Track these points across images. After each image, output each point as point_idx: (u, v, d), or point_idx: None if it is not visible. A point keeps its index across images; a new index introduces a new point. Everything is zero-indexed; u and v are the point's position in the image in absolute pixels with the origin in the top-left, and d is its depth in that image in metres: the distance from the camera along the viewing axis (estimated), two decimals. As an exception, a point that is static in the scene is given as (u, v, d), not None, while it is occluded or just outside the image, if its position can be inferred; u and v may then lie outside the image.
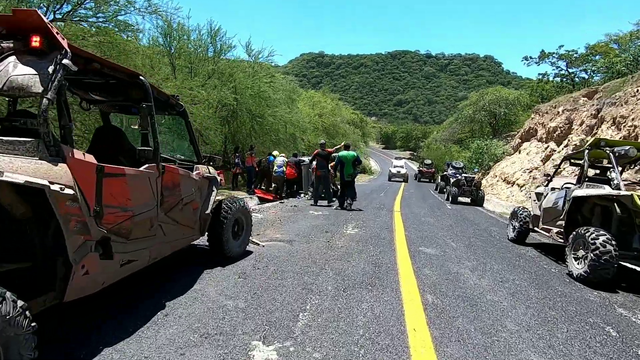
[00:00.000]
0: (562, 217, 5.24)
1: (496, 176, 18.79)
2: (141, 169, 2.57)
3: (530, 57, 24.21)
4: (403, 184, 24.31)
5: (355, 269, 4.12)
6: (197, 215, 3.58)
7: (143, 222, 2.60)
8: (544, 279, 4.37)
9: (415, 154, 60.10)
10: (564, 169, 10.65)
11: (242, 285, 3.34)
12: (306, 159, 13.25)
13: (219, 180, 4.07)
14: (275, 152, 13.15)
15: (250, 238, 4.95)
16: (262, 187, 12.16)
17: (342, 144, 11.14)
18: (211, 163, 4.00)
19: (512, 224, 6.80)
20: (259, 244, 4.89)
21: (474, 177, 13.70)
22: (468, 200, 13.91)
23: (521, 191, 14.08)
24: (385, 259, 4.66)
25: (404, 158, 40.35)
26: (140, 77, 2.71)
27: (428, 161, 30.77)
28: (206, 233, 3.92)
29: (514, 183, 15.41)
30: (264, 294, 3.19)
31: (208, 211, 3.74)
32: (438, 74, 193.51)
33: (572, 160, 6.49)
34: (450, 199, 13.59)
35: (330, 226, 6.73)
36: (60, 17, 7.35)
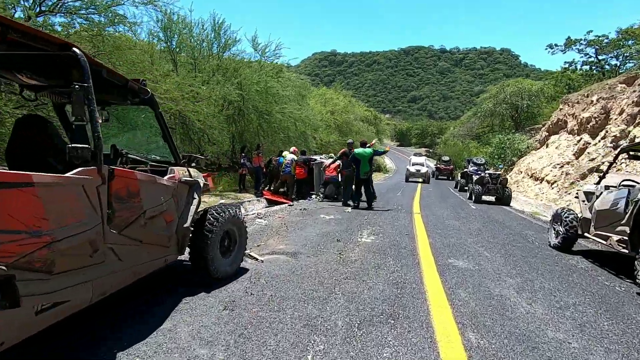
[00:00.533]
0: (624, 221, 4.30)
1: (521, 172, 17.57)
2: (69, 174, 1.84)
3: (555, 45, 22.71)
4: (420, 182, 22.94)
5: (372, 291, 3.32)
6: (171, 229, 2.86)
7: (77, 247, 1.88)
8: (612, 302, 3.46)
9: (431, 150, 58.51)
10: (618, 163, 9.53)
11: (227, 322, 2.59)
12: (318, 157, 12.50)
13: (202, 184, 3.32)
14: (285, 152, 12.43)
15: (248, 252, 4.22)
16: (271, 188, 11.48)
17: (374, 140, 10.49)
18: (192, 164, 3.26)
19: (554, 229, 5.86)
20: (257, 259, 4.15)
21: (500, 174, 12.63)
22: (492, 198, 12.86)
23: (552, 188, 12.91)
24: (408, 276, 3.84)
25: (424, 155, 34.72)
26: (74, 49, 1.98)
27: (446, 158, 29.56)
28: (188, 250, 3.20)
29: (542, 179, 14.23)
30: (253, 335, 2.43)
31: (187, 224, 3.01)
32: (453, 69, 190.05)
33: (632, 153, 5.48)
34: (473, 197, 12.58)
35: (342, 233, 5.94)
36: (47, 9, 6.80)
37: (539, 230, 7.55)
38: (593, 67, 21.25)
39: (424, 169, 23.41)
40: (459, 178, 19.70)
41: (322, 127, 21.14)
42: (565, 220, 5.50)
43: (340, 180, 10.97)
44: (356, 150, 9.67)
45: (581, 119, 13.69)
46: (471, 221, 8.16)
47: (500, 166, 13.68)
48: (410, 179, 23.08)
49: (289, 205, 9.37)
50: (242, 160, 10.95)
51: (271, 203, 10.59)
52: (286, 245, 4.95)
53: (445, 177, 28.64)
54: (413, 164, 24.78)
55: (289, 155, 11.37)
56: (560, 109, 16.76)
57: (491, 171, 13.09)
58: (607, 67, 20.40)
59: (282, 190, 11.60)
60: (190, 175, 3.18)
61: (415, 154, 31.69)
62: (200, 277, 3.28)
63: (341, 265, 4.10)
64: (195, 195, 3.16)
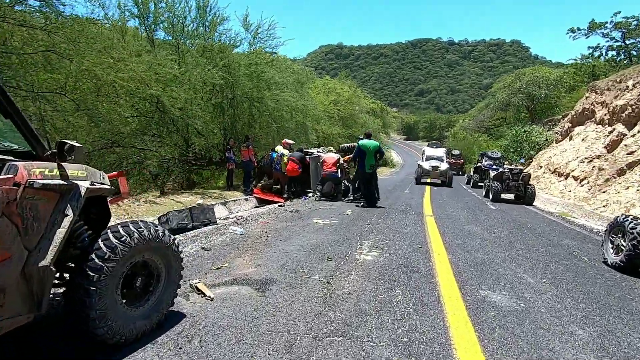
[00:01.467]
0: None
1: (541, 167, 16.06)
2: None
3: (578, 29, 20.89)
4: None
5: (370, 366, 2.03)
6: (11, 274, 1.60)
7: None
8: None
9: (439, 144, 56.72)
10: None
11: None
12: (315, 151, 11.18)
13: (82, 194, 1.99)
14: (278, 147, 11.15)
15: (195, 282, 2.96)
16: (258, 184, 10.23)
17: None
18: (68, 157, 1.95)
19: (613, 242, 4.52)
20: (205, 295, 2.87)
21: (521, 169, 11.20)
22: (511, 196, 11.43)
23: (581, 185, 11.44)
24: (426, 325, 2.55)
25: (443, 147, 23.39)
26: None
27: (456, 151, 28.01)
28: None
29: (567, 175, 12.74)
30: None
31: (47, 261, 1.73)
32: (461, 61, 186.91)
33: None
34: (490, 195, 11.18)
35: (336, 246, 4.65)
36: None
37: (580, 239, 6.18)
38: (621, 52, 19.46)
39: (443, 166, 16.74)
40: (472, 173, 18.27)
41: (324, 118, 19.81)
42: (632, 232, 4.15)
43: (341, 176, 9.71)
44: (361, 142, 8.45)
45: (614, 108, 12.14)
46: (495, 227, 6.80)
47: (521, 160, 12.22)
48: (423, 179, 16.77)
49: (280, 205, 8.09)
50: (227, 154, 9.68)
51: (262, 202, 9.35)
52: (257, 267, 3.67)
53: (455, 172, 27.17)
54: (427, 158, 17.75)
55: (280, 150, 10.12)
56: (587, 97, 15.16)
57: (512, 166, 11.64)
58: (634, 52, 18.64)
59: (276, 187, 10.37)
60: (64, 176, 1.89)
61: (430, 144, 23.93)
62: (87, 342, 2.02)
63: (327, 305, 2.81)
64: (69, 211, 1.86)
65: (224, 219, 6.65)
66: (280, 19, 13.52)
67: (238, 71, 9.60)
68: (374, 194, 8.58)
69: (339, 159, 9.72)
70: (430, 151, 18.72)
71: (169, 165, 11.33)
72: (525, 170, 11.31)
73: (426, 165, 17.04)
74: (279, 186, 10.05)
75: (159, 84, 7.82)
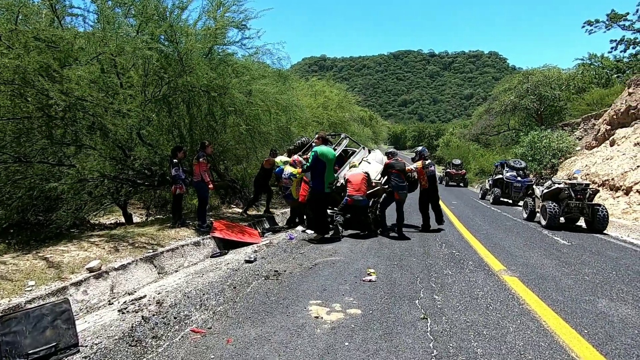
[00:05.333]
0: None
1: (575, 178, 13.24)
2: None
3: (596, 21, 18.63)
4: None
5: None
6: None
7: None
8: None
9: (430, 154, 54.55)
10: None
11: None
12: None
13: None
14: (280, 158, 7.90)
15: None
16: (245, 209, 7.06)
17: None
18: None
19: None
20: None
21: (588, 185, 8.22)
22: (580, 221, 8.38)
23: (663, 204, 8.55)
24: None
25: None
26: None
27: (457, 161, 25.24)
28: None
29: (629, 190, 9.91)
30: None
31: None
32: (442, 72, 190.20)
33: None
34: (547, 221, 8.14)
35: None
36: None
37: None
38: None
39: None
40: (488, 186, 15.37)
41: (313, 124, 16.67)
42: None
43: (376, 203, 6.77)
44: (318, 148, 5.81)
45: (686, 102, 9.48)
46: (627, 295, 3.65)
47: (576, 172, 9.39)
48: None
49: (248, 260, 4.75)
50: (173, 172, 6.31)
51: (228, 246, 6.02)
52: None
53: (456, 184, 24.42)
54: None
55: (288, 169, 6.99)
56: (630, 94, 12.57)
57: (576, 181, 8.65)
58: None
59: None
60: None
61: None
62: None
63: None
64: None
65: (128, 304, 3.28)
66: (265, 32, 10.37)
67: (186, 41, 6.28)
68: (327, 223, 6.08)
69: (368, 176, 6.64)
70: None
71: (97, 184, 7.92)
72: (591, 186, 8.37)
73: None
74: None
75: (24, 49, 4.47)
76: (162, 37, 6.44)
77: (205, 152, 6.61)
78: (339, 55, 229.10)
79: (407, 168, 6.73)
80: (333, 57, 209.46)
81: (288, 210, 9.33)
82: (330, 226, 6.45)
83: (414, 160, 7.90)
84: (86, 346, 2.47)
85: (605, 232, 7.98)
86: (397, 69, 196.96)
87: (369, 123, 39.30)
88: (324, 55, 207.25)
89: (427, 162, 7.41)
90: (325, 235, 6.06)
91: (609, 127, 13.17)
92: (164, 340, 2.55)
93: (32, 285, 3.39)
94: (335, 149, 8.40)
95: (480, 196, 16.28)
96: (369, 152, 9.06)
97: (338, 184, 7.00)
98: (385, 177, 6.76)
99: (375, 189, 6.98)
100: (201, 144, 6.80)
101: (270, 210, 9.10)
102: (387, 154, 7.30)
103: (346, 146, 9.32)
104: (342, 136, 9.51)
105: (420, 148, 8.09)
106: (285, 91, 10.64)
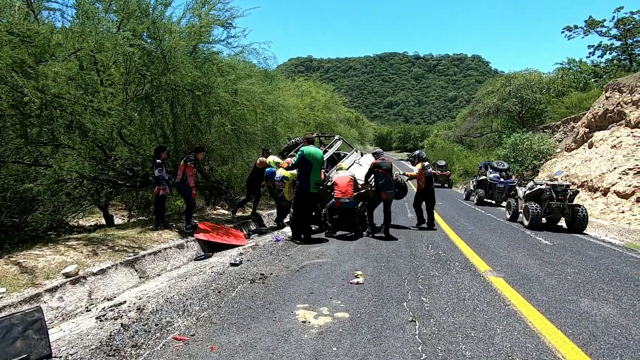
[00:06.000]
0: None
1: (555, 180, 13.59)
2: None
3: (575, 27, 19.20)
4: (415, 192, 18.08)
5: None
6: None
7: None
8: None
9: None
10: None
11: None
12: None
13: None
14: (272, 158, 7.76)
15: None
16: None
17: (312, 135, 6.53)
18: None
19: None
20: None
21: (568, 186, 8.43)
22: (562, 221, 8.59)
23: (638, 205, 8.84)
24: None
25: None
26: None
27: (442, 162, 25.58)
28: None
29: (607, 191, 10.21)
30: None
31: None
32: (427, 74, 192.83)
33: None
34: (529, 222, 8.31)
35: None
36: None
37: None
38: (620, 55, 17.81)
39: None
40: (472, 187, 15.62)
41: (299, 125, 16.62)
42: None
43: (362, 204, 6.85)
44: (305, 148, 5.83)
45: (659, 106, 9.84)
46: (618, 294, 3.73)
47: (558, 173, 9.60)
48: None
49: (233, 263, 4.64)
50: (156, 173, 6.13)
51: (214, 248, 5.90)
52: None
53: (440, 185, 24.75)
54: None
55: (279, 171, 6.97)
56: (607, 98, 12.98)
57: (556, 181, 8.85)
58: (638, 51, 17.05)
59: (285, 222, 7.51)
60: None
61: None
62: None
63: None
64: None
65: (111, 308, 3.14)
66: (251, 33, 10.26)
67: (170, 38, 6.11)
68: (306, 228, 6.11)
69: (354, 177, 6.74)
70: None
71: (75, 185, 7.69)
72: (571, 186, 8.57)
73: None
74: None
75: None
76: (145, 34, 6.26)
77: (197, 157, 6.43)
78: (325, 56, 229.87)
79: (407, 173, 7.00)
80: (319, 58, 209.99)
81: (275, 211, 9.30)
82: (329, 224, 6.67)
83: (413, 163, 8.28)
84: (60, 357, 2.34)
85: (585, 232, 8.20)
86: (383, 70, 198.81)
87: (355, 124, 39.44)
88: (311, 56, 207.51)
89: (425, 163, 7.84)
90: (297, 241, 6.06)
91: (587, 129, 13.57)
92: (145, 349, 2.45)
93: (3, 293, 3.22)
94: (327, 151, 8.43)
95: (464, 197, 16.54)
96: (362, 155, 9.10)
97: (328, 183, 7.07)
98: (372, 177, 6.82)
99: (364, 190, 7.00)
100: (197, 147, 6.59)
101: (257, 212, 8.99)
102: (374, 154, 7.37)
103: (339, 148, 9.32)
104: (335, 138, 9.48)
105: (417, 152, 8.30)
106: (272, 91, 10.55)
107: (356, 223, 6.61)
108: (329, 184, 7.11)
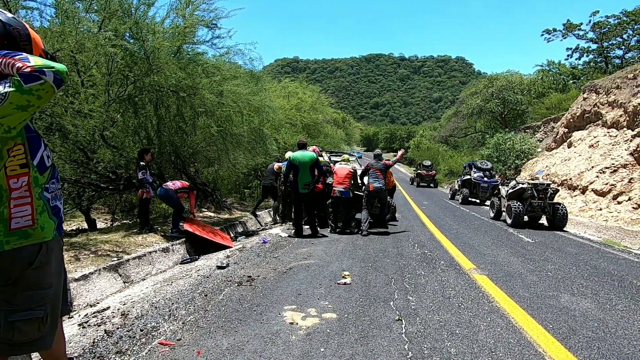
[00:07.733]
0: None
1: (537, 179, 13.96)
2: None
3: (554, 30, 19.79)
4: (404, 191, 18.92)
5: None
6: None
7: None
8: None
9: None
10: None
11: None
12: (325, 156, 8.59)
13: None
14: (289, 153, 7.69)
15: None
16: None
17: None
18: None
19: None
20: None
21: (549, 184, 8.67)
22: (543, 219, 8.86)
23: (617, 203, 9.15)
24: None
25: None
26: None
27: (427, 162, 25.94)
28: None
29: (585, 189, 10.55)
30: None
31: None
32: (412, 76, 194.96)
33: None
34: (512, 220, 8.51)
35: None
36: None
37: None
38: (596, 58, 18.45)
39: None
40: (457, 187, 15.90)
41: (286, 126, 16.60)
42: None
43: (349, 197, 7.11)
44: (292, 155, 6.66)
45: (634, 108, 10.22)
46: (598, 292, 3.86)
47: (540, 172, 9.86)
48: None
49: (220, 266, 4.61)
50: (140, 175, 6.03)
51: (200, 251, 5.83)
52: None
53: (426, 184, 25.11)
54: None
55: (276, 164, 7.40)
56: (585, 99, 13.41)
57: (538, 181, 9.10)
58: (613, 54, 17.71)
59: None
60: None
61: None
62: None
63: None
64: None
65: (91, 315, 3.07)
66: (237, 33, 10.17)
67: (153, 39, 6.01)
68: (306, 221, 6.81)
69: (353, 170, 7.31)
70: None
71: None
72: (552, 185, 8.82)
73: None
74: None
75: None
76: (128, 34, 6.15)
77: (145, 159, 6.19)
78: (311, 57, 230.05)
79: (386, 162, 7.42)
80: (306, 59, 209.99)
81: (271, 211, 9.47)
82: (332, 225, 7.09)
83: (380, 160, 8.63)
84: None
85: (565, 229, 8.46)
86: (369, 72, 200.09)
87: (342, 125, 39.65)
88: (297, 57, 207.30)
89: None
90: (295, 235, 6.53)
91: (566, 130, 13.99)
92: (129, 355, 2.41)
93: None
94: (320, 154, 8.68)
95: (449, 196, 16.82)
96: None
97: (328, 181, 7.48)
98: (366, 177, 7.25)
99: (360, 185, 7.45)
100: (142, 150, 6.30)
101: (257, 212, 9.20)
102: (375, 155, 7.72)
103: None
104: (344, 156, 9.56)
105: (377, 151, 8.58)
106: (258, 92, 10.51)
107: (349, 217, 7.04)
108: (328, 180, 7.48)
